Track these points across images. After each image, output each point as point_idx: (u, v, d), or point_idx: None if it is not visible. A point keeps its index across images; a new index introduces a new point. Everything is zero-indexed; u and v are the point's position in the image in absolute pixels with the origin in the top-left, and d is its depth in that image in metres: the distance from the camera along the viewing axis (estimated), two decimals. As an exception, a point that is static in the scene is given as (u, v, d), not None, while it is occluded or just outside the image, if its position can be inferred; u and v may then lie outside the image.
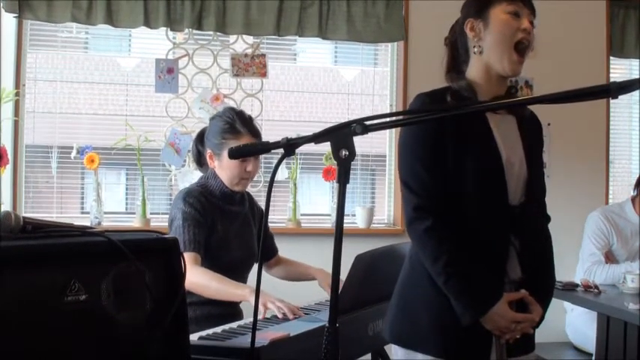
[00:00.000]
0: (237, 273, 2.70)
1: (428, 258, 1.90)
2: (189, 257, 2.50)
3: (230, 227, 2.75)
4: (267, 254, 3.04)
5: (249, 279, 2.84)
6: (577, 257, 4.06)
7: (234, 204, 2.81)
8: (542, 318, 1.98)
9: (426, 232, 1.89)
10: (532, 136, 2.06)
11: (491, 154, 1.93)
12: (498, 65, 1.97)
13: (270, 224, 3.60)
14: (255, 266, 2.89)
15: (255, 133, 2.76)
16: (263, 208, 2.91)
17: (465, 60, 2.05)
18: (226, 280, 2.54)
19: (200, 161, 2.89)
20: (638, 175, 4.08)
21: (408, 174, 1.94)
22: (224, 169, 2.74)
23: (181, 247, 2.42)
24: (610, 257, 3.84)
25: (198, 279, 2.49)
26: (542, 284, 2.02)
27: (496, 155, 1.93)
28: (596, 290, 3.43)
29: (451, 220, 1.90)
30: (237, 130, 2.72)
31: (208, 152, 2.78)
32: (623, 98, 1.51)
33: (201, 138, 2.86)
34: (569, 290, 3.49)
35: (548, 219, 2.13)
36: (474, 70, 2.02)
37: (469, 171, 1.90)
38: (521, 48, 1.96)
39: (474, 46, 2.01)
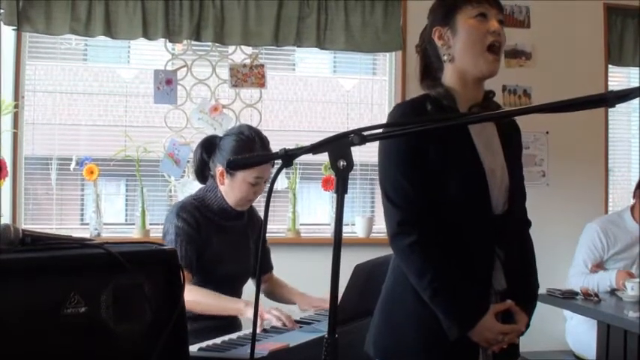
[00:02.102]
0: (231, 287, 2.68)
1: (413, 273, 1.87)
2: None
3: (226, 241, 2.70)
4: (261, 269, 2.92)
5: (245, 293, 2.82)
6: (574, 265, 4.06)
7: (231, 219, 2.76)
8: (527, 326, 1.97)
9: (410, 246, 1.85)
10: (512, 141, 2.03)
11: (473, 163, 1.90)
12: (474, 69, 1.93)
13: (269, 234, 3.56)
14: (250, 281, 2.87)
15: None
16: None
17: (439, 67, 2.01)
18: (220, 296, 2.52)
19: (203, 172, 2.78)
20: (637, 181, 4.07)
21: (391, 186, 1.90)
22: (234, 188, 2.68)
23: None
24: (600, 268, 3.84)
25: (190, 296, 2.44)
26: (525, 292, 2.00)
27: (477, 164, 1.90)
28: (595, 298, 3.43)
29: (435, 233, 1.87)
30: (256, 150, 2.64)
31: (219, 169, 2.69)
32: (621, 106, 1.50)
33: (207, 149, 2.75)
34: (569, 298, 3.49)
35: (529, 224, 2.10)
36: (448, 77, 1.98)
37: (451, 182, 1.87)
38: (493, 50, 1.92)
39: (444, 55, 1.97)
